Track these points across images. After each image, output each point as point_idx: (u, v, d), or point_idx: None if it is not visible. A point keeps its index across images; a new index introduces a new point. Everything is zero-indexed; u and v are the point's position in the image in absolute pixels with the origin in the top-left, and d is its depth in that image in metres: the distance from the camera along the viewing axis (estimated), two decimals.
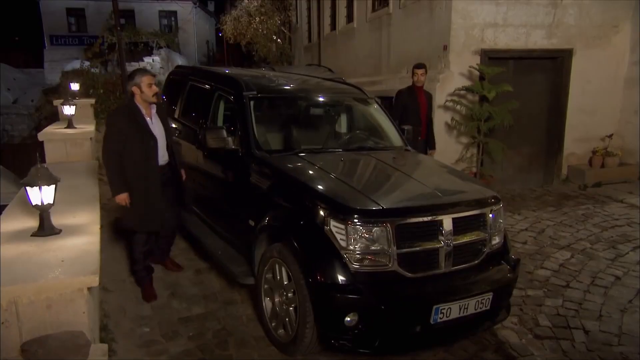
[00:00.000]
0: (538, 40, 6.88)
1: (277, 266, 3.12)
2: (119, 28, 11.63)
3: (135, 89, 3.54)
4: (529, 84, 7.03)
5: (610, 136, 7.33)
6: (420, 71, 5.71)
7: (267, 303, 3.28)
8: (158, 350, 3.19)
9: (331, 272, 2.75)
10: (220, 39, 23.84)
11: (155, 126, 3.65)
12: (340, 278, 2.73)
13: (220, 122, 4.32)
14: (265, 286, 3.28)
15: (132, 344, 3.24)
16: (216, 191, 4.33)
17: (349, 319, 2.71)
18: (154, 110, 3.68)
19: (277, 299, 3.17)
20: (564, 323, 3.61)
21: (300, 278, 2.85)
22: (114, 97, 11.02)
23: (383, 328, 2.79)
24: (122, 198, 3.55)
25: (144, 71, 3.66)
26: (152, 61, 17.25)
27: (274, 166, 3.47)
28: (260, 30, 16.31)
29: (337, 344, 2.83)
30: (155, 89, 3.56)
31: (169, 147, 3.81)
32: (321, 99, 4.48)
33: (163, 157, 3.73)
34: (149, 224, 3.73)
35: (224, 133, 3.69)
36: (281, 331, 3.14)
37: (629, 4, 7.14)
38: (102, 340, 2.90)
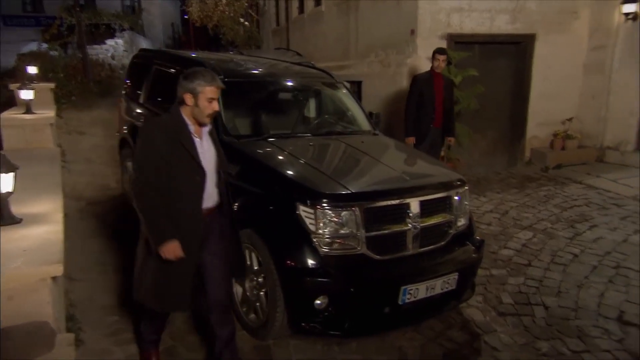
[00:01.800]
0: (502, 25, 7.00)
1: (247, 252, 3.12)
2: (78, 9, 11.17)
3: (187, 97, 2.40)
4: (493, 69, 7.17)
5: (570, 120, 7.58)
6: (442, 57, 5.37)
7: (237, 289, 3.28)
8: (127, 339, 3.16)
9: (301, 256, 2.78)
10: (187, 22, 23.24)
11: (206, 153, 2.51)
12: (310, 262, 2.77)
13: None
14: None
15: (100, 333, 3.20)
16: None
17: (319, 302, 2.75)
18: (206, 129, 2.54)
19: (247, 285, 3.18)
20: (525, 300, 3.77)
21: (270, 263, 2.87)
22: (76, 81, 10.62)
23: (353, 310, 2.85)
24: (173, 249, 2.37)
25: (209, 77, 2.42)
26: (115, 44, 16.66)
27: (243, 152, 3.45)
28: (227, 12, 15.99)
29: (308, 327, 2.88)
30: (215, 106, 2.46)
31: (222, 185, 2.60)
32: (290, 84, 4.46)
33: (210, 197, 2.56)
34: (171, 300, 2.55)
35: None
36: (252, 316, 3.16)
37: None
38: (68, 330, 2.85)
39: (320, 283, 2.74)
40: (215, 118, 3.61)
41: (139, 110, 5.07)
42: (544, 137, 7.67)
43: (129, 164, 5.29)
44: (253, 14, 18.03)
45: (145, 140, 2.47)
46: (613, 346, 3.18)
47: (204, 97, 2.40)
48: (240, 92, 4.18)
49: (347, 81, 6.52)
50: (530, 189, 6.52)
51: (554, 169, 7.29)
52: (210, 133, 2.59)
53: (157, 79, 4.82)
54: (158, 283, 2.49)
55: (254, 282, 3.10)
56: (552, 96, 7.44)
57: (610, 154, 7.32)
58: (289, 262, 2.80)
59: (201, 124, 2.49)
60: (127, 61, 9.06)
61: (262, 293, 3.03)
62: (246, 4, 16.75)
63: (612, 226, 5.08)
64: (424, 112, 5.35)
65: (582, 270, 4.19)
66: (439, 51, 5.46)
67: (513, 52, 7.29)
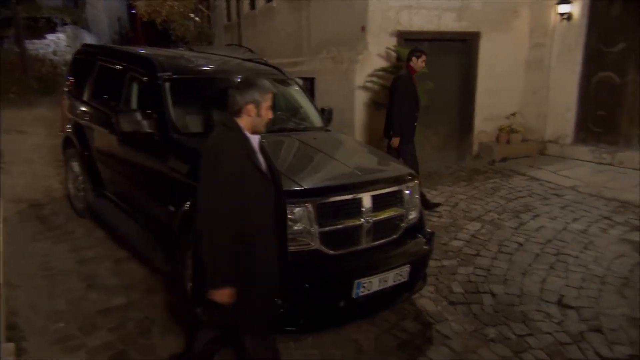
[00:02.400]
0: (449, 23, 7.21)
1: None
2: (14, 1, 10.57)
3: (250, 108, 2.24)
4: (442, 66, 7.36)
5: (514, 115, 7.92)
6: (424, 57, 5.40)
7: (191, 289, 3.23)
8: (75, 345, 3.05)
9: None
10: (134, 17, 22.48)
11: (263, 164, 2.37)
12: None
13: (134, 105, 4.12)
14: (189, 271, 3.22)
15: (45, 340, 3.06)
16: (133, 177, 4.15)
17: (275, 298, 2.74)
18: (257, 140, 2.38)
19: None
20: (474, 289, 3.92)
21: None
22: (14, 78, 10.06)
23: (308, 306, 2.86)
24: (224, 295, 2.21)
25: (267, 84, 2.33)
26: (57, 39, 15.89)
27: (194, 150, 3.38)
28: (176, 7, 15.60)
29: None
30: (271, 113, 2.36)
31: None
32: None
33: None
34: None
35: (138, 116, 3.53)
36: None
37: None
38: (9, 340, 2.72)
39: None
40: (163, 115, 3.60)
41: (83, 109, 4.88)
42: (491, 132, 7.98)
43: (74, 164, 5.08)
44: (203, 9, 17.69)
45: (219, 160, 2.18)
46: (554, 328, 3.37)
47: (266, 106, 2.29)
48: (191, 89, 4.10)
49: (300, 78, 6.53)
50: (478, 181, 6.76)
51: (500, 162, 7.60)
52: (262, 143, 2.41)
53: (102, 76, 4.65)
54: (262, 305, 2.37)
55: None
56: (497, 92, 7.74)
57: (551, 146, 7.71)
58: None
59: (256, 134, 2.34)
60: (70, 57, 8.68)
61: None
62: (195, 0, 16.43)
63: (553, 215, 5.35)
64: (409, 111, 5.40)
65: (526, 258, 4.40)
66: (422, 51, 5.48)
67: (460, 49, 7.52)
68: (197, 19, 16.97)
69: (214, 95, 4.21)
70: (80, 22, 20.28)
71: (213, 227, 2.17)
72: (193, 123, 3.85)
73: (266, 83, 2.30)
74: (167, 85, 3.71)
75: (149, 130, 3.55)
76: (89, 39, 18.63)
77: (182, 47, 7.86)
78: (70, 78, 5.41)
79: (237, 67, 4.63)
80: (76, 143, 4.93)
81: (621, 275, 4.04)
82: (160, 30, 17.83)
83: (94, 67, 4.77)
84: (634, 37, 6.65)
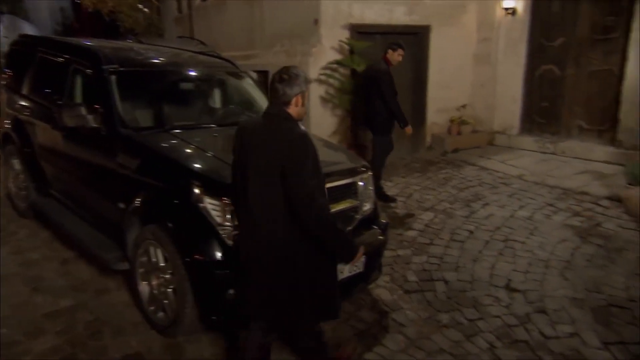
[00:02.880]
0: (400, 17, 7.32)
1: (151, 248, 3.01)
2: None
3: (298, 99, 2.30)
4: (380, 58, 7.44)
5: (464, 107, 8.15)
6: (401, 51, 5.51)
7: (143, 287, 3.15)
8: (20, 351, 2.91)
9: (208, 249, 2.72)
10: (79, 7, 21.46)
11: None
12: (218, 255, 2.72)
13: (78, 99, 3.95)
14: (141, 270, 3.15)
15: None
16: (79, 174, 3.99)
17: (229, 294, 2.72)
18: None
19: (154, 282, 3.07)
20: (428, 277, 4.02)
21: (177, 258, 2.79)
22: None
23: None
24: (360, 255, 2.42)
25: (306, 75, 2.38)
26: None
27: (143, 144, 3.29)
28: None
29: (219, 320, 2.84)
30: None
31: None
32: (193, 73, 4.32)
33: None
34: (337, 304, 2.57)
35: (83, 110, 3.39)
36: (161, 314, 3.05)
37: None
38: None
39: (230, 275, 2.70)
40: (110, 109, 3.47)
41: (23, 103, 4.64)
42: (443, 123, 8.18)
43: (15, 161, 4.83)
44: (153, 0, 17.13)
45: (311, 150, 2.21)
46: (502, 311, 3.51)
47: (306, 96, 2.35)
48: (139, 82, 3.98)
49: (254, 71, 6.46)
50: (431, 172, 6.93)
51: (452, 153, 7.82)
52: None
53: (42, 69, 4.43)
54: (330, 293, 2.43)
55: (161, 280, 2.99)
56: (448, 84, 7.94)
57: (499, 137, 8.00)
58: (196, 256, 2.73)
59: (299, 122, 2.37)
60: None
61: (169, 290, 2.93)
62: None
63: (501, 203, 5.56)
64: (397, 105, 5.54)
65: (477, 246, 4.55)
66: (403, 47, 5.57)
67: (412, 43, 7.63)
68: (146, 10, 16.41)
69: (165, 89, 4.12)
70: (19, 12, 19.20)
71: (323, 207, 2.24)
72: (143, 117, 3.74)
73: (306, 74, 2.36)
74: (113, 78, 3.58)
75: (95, 125, 3.42)
76: (28, 29, 17.62)
77: (130, 40, 7.59)
78: (8, 71, 5.12)
79: (189, 59, 4.53)
80: (16, 139, 4.69)
81: (563, 258, 4.26)
82: (107, 21, 17.12)
83: (33, 59, 4.53)
84: (572, 32, 6.99)
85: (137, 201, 3.10)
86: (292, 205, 2.16)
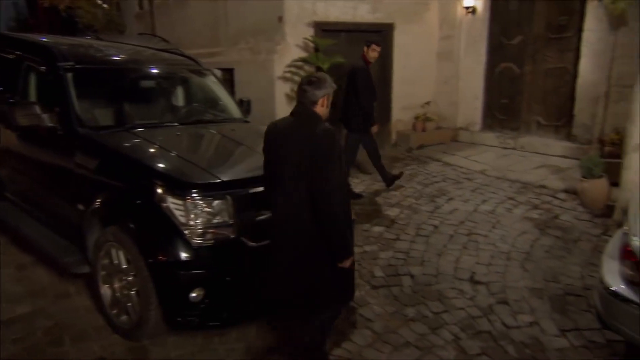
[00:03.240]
0: (364, 15, 7.38)
1: (113, 250, 2.94)
2: None
3: (325, 100, 2.49)
4: (359, 56, 7.51)
5: (428, 103, 8.29)
6: (379, 48, 5.64)
7: (105, 290, 3.08)
8: None
9: (172, 250, 2.68)
10: (34, 2, 20.63)
11: None
12: (182, 255, 2.68)
13: (33, 97, 3.80)
14: (103, 273, 3.07)
15: None
16: (36, 176, 3.85)
17: (194, 294, 2.69)
18: None
19: (116, 285, 3.00)
20: (394, 272, 4.07)
21: (140, 260, 2.73)
22: None
23: (230, 299, 2.83)
24: (350, 261, 2.55)
25: (331, 80, 2.57)
26: None
27: (102, 144, 3.21)
28: None
29: (185, 321, 2.80)
30: None
31: None
32: (154, 71, 4.23)
33: None
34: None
35: (37, 109, 3.27)
36: (124, 317, 2.98)
37: None
38: None
39: (195, 275, 2.68)
40: (66, 108, 3.36)
41: None
42: (407, 120, 8.30)
43: None
44: None
45: (337, 146, 2.44)
46: (466, 304, 3.60)
47: (330, 98, 2.54)
48: (97, 80, 3.87)
49: (219, 69, 6.37)
50: (397, 168, 7.00)
51: (417, 150, 7.94)
52: None
53: None
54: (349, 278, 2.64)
55: (124, 282, 2.93)
56: (412, 81, 8.06)
57: (462, 134, 8.18)
58: (160, 257, 2.69)
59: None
60: None
61: (132, 292, 2.87)
62: None
63: (465, 198, 5.69)
64: (370, 104, 5.61)
65: (442, 240, 4.64)
66: (376, 42, 5.65)
67: (376, 40, 7.70)
68: (105, 6, 15.94)
69: (125, 87, 4.01)
70: None
71: (341, 203, 2.44)
72: (102, 116, 3.64)
73: (331, 80, 2.55)
74: (69, 75, 3.47)
75: (51, 125, 3.31)
76: None
77: (88, 37, 7.35)
78: None
79: (150, 57, 4.43)
80: None
81: (523, 250, 4.40)
82: (64, 17, 16.53)
83: None
84: (529, 30, 7.21)
85: (97, 202, 3.02)
86: (312, 198, 2.35)
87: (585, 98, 6.52)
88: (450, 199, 5.70)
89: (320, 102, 2.48)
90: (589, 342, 3.14)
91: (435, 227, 4.94)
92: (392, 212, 5.32)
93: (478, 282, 3.89)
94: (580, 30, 6.50)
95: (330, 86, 2.52)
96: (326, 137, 2.40)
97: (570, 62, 6.72)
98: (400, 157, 7.66)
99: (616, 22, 5.99)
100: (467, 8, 7.67)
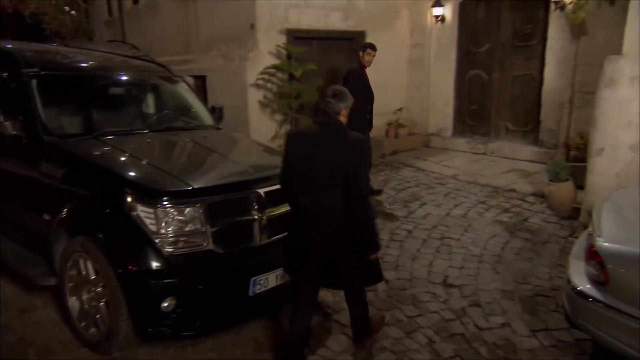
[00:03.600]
0: (336, 22, 7.45)
1: (81, 261, 2.86)
2: None
3: (345, 112, 2.77)
4: (332, 62, 7.58)
5: (400, 110, 8.40)
6: (374, 52, 5.67)
7: (73, 302, 2.99)
8: None
9: (142, 259, 2.63)
10: None
11: None
12: (153, 264, 2.63)
13: None
14: (70, 284, 2.99)
15: None
16: None
17: (166, 304, 2.64)
18: None
19: (84, 297, 2.92)
20: None
21: (109, 270, 2.66)
22: None
23: (203, 308, 2.78)
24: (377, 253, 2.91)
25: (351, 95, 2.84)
26: None
27: (70, 152, 3.13)
28: None
29: (157, 332, 2.74)
30: None
31: None
32: (123, 78, 4.15)
33: None
34: None
35: (0, 117, 3.17)
36: (93, 330, 2.90)
37: None
38: None
39: (166, 284, 2.62)
40: (31, 115, 3.26)
41: None
42: (380, 127, 8.35)
43: None
44: (81, 2, 16.34)
45: (369, 158, 2.93)
46: (440, 307, 3.63)
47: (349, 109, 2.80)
48: (64, 87, 3.77)
49: (191, 76, 6.31)
50: (371, 174, 7.02)
51: (390, 155, 8.01)
52: None
53: None
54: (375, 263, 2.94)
55: (92, 293, 2.85)
56: (385, 88, 8.11)
57: (434, 139, 8.31)
58: (130, 267, 2.62)
59: None
60: None
61: (102, 304, 2.80)
62: None
63: (437, 203, 5.77)
64: (361, 104, 5.38)
65: (415, 244, 4.69)
66: (371, 46, 5.68)
67: (347, 47, 7.79)
68: (73, 12, 15.62)
69: (93, 93, 3.92)
70: None
71: (370, 203, 2.80)
72: (69, 124, 3.55)
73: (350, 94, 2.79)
74: (34, 82, 3.37)
75: (14, 133, 3.20)
76: None
77: (55, 43, 7.18)
78: None
79: (119, 63, 4.36)
80: None
81: (495, 253, 4.48)
82: (30, 24, 16.10)
83: None
84: (496, 38, 7.40)
85: (64, 212, 2.93)
86: (349, 200, 2.63)
87: (550, 104, 6.72)
88: (423, 203, 5.77)
89: (342, 112, 2.75)
90: (558, 341, 3.22)
91: (409, 231, 4.99)
92: None
93: (451, 285, 3.93)
94: (544, 38, 6.71)
95: (350, 99, 2.77)
96: (361, 145, 2.72)
97: (536, 69, 6.92)
98: (374, 163, 7.68)
99: (577, 31, 6.21)
100: (436, 17, 7.82)
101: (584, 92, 6.16)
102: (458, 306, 3.64)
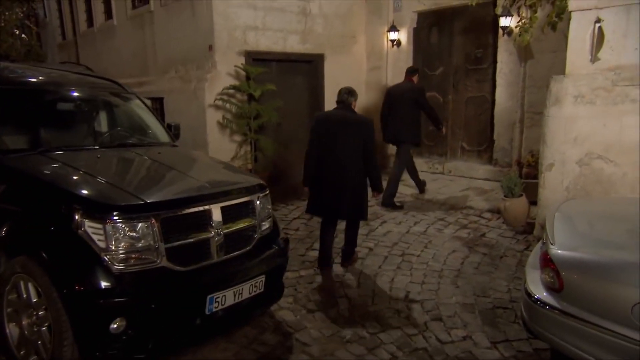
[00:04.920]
0: (294, 45, 7.53)
1: (22, 283, 2.67)
2: None
3: (354, 104, 4.38)
4: (291, 84, 7.63)
5: None
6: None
7: (12, 329, 2.77)
8: None
9: (89, 277, 2.47)
10: None
11: None
12: (101, 282, 2.47)
13: None
14: (9, 309, 2.77)
15: None
16: None
17: (115, 325, 2.48)
18: None
19: (25, 322, 2.71)
20: (331, 295, 4.02)
21: (53, 291, 2.49)
22: None
23: (156, 328, 2.64)
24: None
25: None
26: None
27: (10, 168, 2.95)
28: None
29: (104, 356, 2.56)
30: None
31: None
32: (73, 93, 3.99)
33: None
34: None
35: None
36: (34, 358, 2.68)
37: (362, 19, 8.42)
38: None
39: (115, 304, 2.47)
40: None
41: None
42: None
43: None
44: (32, 25, 15.90)
45: (374, 134, 4.34)
46: (402, 322, 3.60)
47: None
48: (7, 102, 3.58)
49: (148, 98, 6.18)
50: None
51: None
52: None
53: None
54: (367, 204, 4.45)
55: (33, 318, 2.65)
56: None
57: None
58: (76, 286, 2.46)
59: None
60: None
61: (44, 329, 2.60)
62: (21, 15, 14.70)
63: (398, 221, 5.81)
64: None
65: (377, 261, 4.68)
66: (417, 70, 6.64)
67: (306, 70, 7.88)
68: (23, 36, 15.16)
69: (39, 108, 3.74)
70: None
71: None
72: (11, 139, 3.35)
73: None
74: None
75: None
76: None
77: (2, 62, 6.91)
78: None
79: (68, 79, 4.20)
80: None
81: (454, 268, 4.52)
82: None
83: None
84: (449, 62, 7.69)
85: (3, 231, 2.74)
86: (364, 159, 4.22)
87: (502, 124, 6.98)
88: (384, 222, 5.79)
89: (353, 104, 4.32)
90: (518, 352, 3.24)
91: (370, 249, 4.98)
92: None
93: (413, 301, 3.92)
94: (494, 62, 7.01)
95: (356, 95, 4.36)
96: (367, 123, 4.31)
97: (488, 91, 7.21)
98: None
99: (524, 55, 6.53)
100: (392, 41, 8.06)
101: (533, 113, 6.45)
102: (420, 321, 3.62)
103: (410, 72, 6.54)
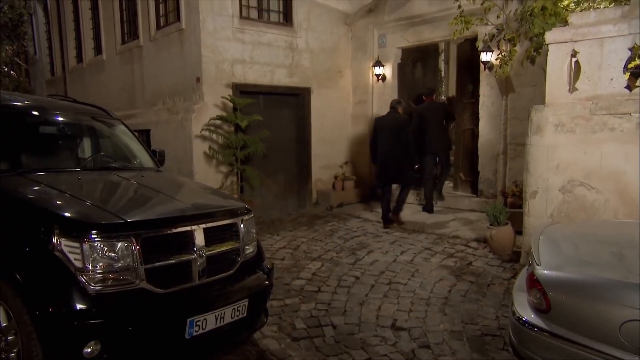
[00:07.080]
0: (281, 78, 7.66)
1: None
2: None
3: (400, 109, 6.67)
4: (278, 117, 7.72)
5: (346, 163, 8.57)
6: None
7: None
8: None
9: (62, 298, 2.37)
10: None
11: None
12: (76, 304, 2.38)
13: None
14: None
15: None
16: None
17: (89, 349, 2.37)
18: None
19: None
20: (316, 323, 3.92)
21: (24, 313, 2.38)
22: None
23: (132, 352, 2.52)
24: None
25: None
26: None
27: None
28: None
29: None
30: None
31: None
32: (56, 117, 3.97)
33: None
34: None
35: None
36: None
37: (348, 55, 8.64)
38: None
39: (89, 326, 2.36)
40: None
41: None
42: (327, 179, 8.46)
43: None
44: (21, 62, 16.04)
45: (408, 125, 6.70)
46: (389, 350, 3.51)
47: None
48: None
49: (135, 130, 6.16)
50: (318, 225, 7.02)
51: (337, 207, 8.05)
52: None
53: None
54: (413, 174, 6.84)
55: (3, 344, 2.52)
56: (330, 142, 8.33)
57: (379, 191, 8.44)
58: (48, 308, 2.36)
59: None
60: None
61: (13, 354, 2.47)
62: (11, 52, 14.85)
63: (385, 250, 5.76)
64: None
65: (363, 290, 4.60)
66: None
67: (293, 102, 8.00)
68: (12, 72, 15.27)
69: (21, 131, 3.69)
70: None
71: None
72: None
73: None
74: None
75: None
76: None
77: None
78: None
79: (51, 103, 4.19)
80: None
81: (442, 295, 4.46)
82: None
83: None
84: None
85: None
86: (403, 145, 6.44)
87: (486, 155, 7.08)
88: (371, 251, 5.74)
89: (399, 110, 6.57)
90: None
91: (357, 277, 4.91)
92: (314, 266, 5.24)
93: (400, 329, 3.84)
94: (478, 95, 7.18)
95: (402, 104, 6.70)
96: (406, 120, 6.66)
97: (475, 124, 7.33)
98: (321, 215, 7.70)
99: (505, 88, 6.71)
100: (377, 76, 8.24)
101: (515, 144, 6.56)
102: (408, 348, 3.53)
103: (396, 103, 6.89)
